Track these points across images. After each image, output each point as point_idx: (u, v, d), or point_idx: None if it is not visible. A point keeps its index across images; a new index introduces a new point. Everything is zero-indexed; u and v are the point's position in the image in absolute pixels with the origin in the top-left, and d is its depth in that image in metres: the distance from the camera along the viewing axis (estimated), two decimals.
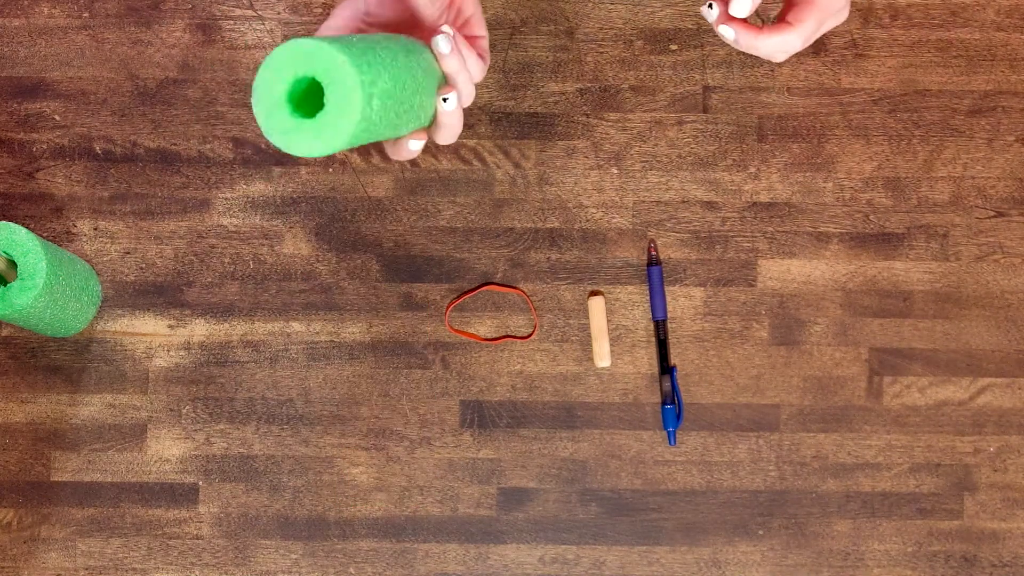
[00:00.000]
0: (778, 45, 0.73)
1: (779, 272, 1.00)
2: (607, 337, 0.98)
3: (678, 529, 0.99)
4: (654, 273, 0.99)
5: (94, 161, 1.01)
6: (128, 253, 1.00)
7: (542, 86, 1.01)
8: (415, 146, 0.71)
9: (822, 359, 1.00)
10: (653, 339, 0.99)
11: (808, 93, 1.01)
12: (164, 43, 1.01)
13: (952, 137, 1.01)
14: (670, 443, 0.98)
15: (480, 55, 0.76)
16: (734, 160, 1.01)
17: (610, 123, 1.01)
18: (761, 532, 0.99)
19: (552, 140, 1.01)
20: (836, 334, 1.00)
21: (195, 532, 0.98)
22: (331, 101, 0.62)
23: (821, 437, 0.99)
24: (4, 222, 0.89)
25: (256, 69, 1.01)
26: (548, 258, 1.00)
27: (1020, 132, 1.01)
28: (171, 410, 0.99)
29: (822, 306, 1.00)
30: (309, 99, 0.65)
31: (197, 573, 0.98)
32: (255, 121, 1.01)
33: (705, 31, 1.01)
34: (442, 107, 0.72)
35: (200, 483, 0.99)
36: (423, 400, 0.99)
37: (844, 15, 0.75)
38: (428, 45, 0.72)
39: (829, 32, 1.01)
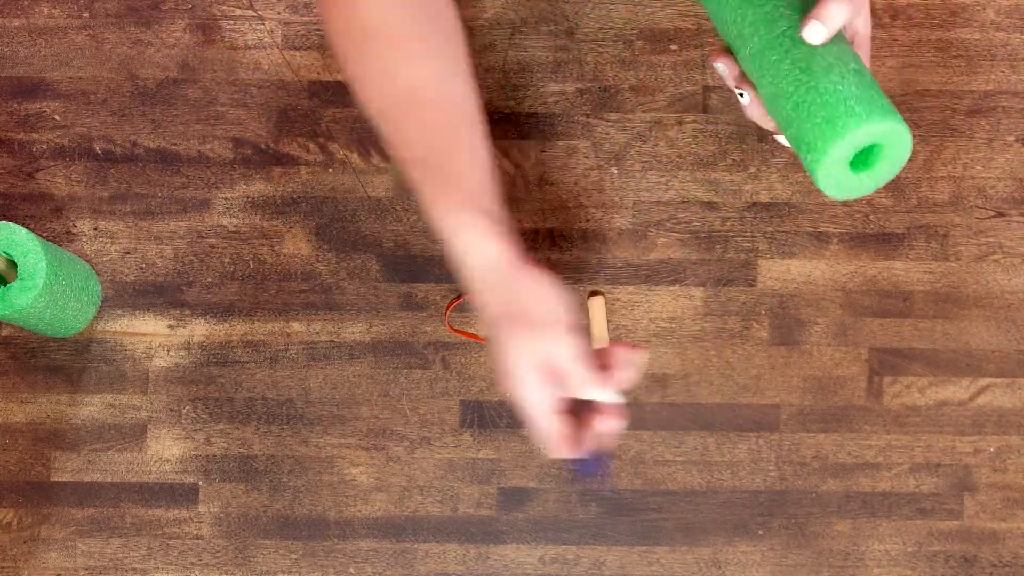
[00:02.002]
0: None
1: (779, 272, 1.00)
2: (607, 337, 0.98)
3: (678, 529, 0.99)
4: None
5: (94, 161, 1.01)
6: (128, 253, 1.00)
7: (542, 86, 1.01)
8: None
9: (822, 359, 1.00)
10: (653, 339, 0.99)
11: None
12: (164, 43, 1.01)
13: (952, 137, 1.01)
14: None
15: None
16: (734, 160, 1.01)
17: (610, 123, 1.01)
18: (761, 532, 0.99)
19: (552, 140, 1.01)
20: (836, 334, 1.00)
21: (195, 532, 0.98)
22: (888, 157, 0.73)
23: (821, 437, 0.99)
24: (4, 222, 0.89)
25: (256, 69, 1.01)
26: (548, 258, 1.00)
27: (1020, 132, 1.01)
28: (171, 410, 0.99)
29: (822, 306, 1.00)
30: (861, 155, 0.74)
31: (197, 573, 0.98)
32: (255, 121, 1.01)
33: (705, 31, 1.01)
34: None
35: (200, 483, 0.99)
36: (423, 400, 0.99)
37: None
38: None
39: None
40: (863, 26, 0.77)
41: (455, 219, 0.74)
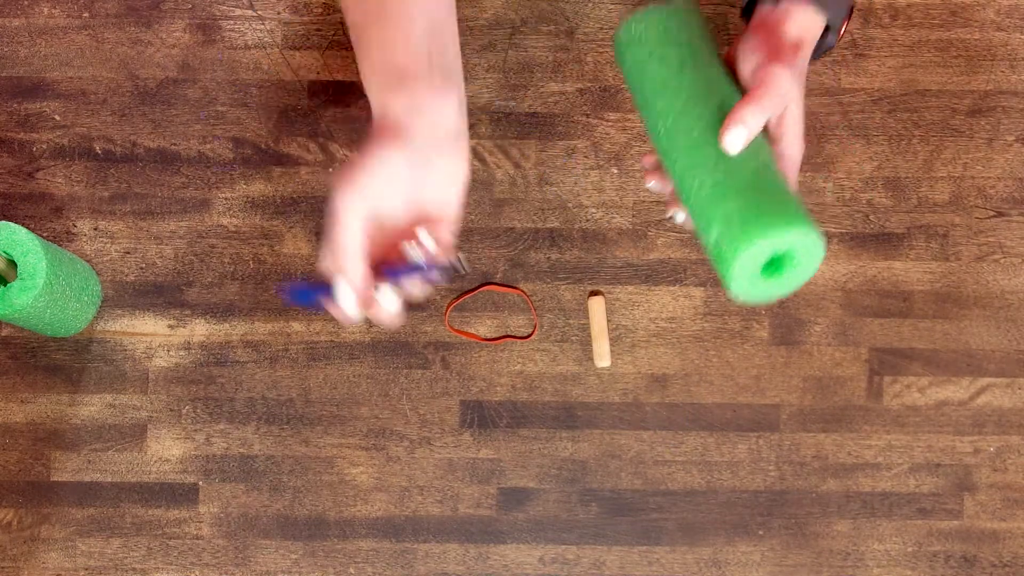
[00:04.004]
0: None
1: None
2: (607, 337, 0.98)
3: (678, 529, 0.99)
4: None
5: (94, 161, 1.01)
6: (128, 253, 1.00)
7: (542, 86, 1.01)
8: None
9: (822, 359, 1.00)
10: (653, 339, 0.99)
11: (808, 93, 1.01)
12: (164, 43, 1.01)
13: (952, 137, 1.01)
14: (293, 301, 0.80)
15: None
16: None
17: (610, 123, 1.01)
18: (761, 532, 0.99)
19: (552, 140, 1.01)
20: (836, 334, 1.00)
21: (195, 532, 0.98)
22: (800, 265, 0.73)
23: (821, 437, 0.99)
24: (4, 222, 0.89)
25: (256, 69, 1.01)
26: (548, 258, 1.00)
27: (1020, 132, 1.01)
28: (171, 410, 0.99)
29: (822, 306, 1.00)
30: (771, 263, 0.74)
31: (197, 573, 0.98)
32: (255, 121, 1.01)
33: None
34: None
35: (200, 483, 0.99)
36: (423, 400, 0.99)
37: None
38: None
39: None
40: (792, 125, 0.75)
41: (386, 80, 0.72)
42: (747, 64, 0.75)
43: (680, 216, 0.78)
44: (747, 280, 0.72)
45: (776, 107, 0.72)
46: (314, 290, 0.73)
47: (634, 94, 0.79)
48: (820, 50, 0.78)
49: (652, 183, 0.79)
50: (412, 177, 0.72)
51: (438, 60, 0.72)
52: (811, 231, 0.71)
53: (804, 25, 0.75)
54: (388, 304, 0.73)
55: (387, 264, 0.73)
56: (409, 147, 0.71)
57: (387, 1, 0.73)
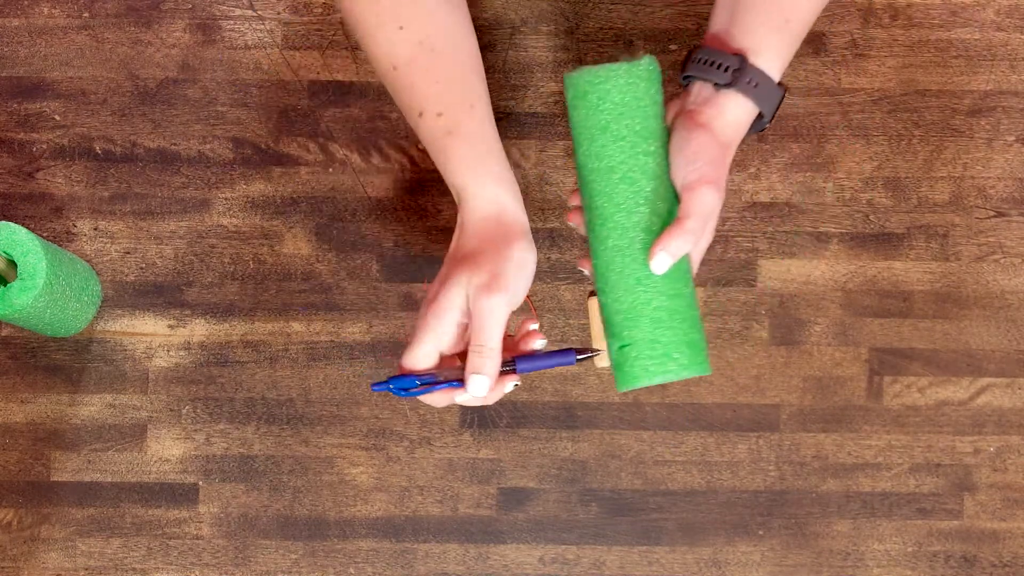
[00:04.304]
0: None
1: (779, 272, 1.00)
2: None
3: (678, 529, 0.99)
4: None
5: (94, 161, 1.01)
6: (128, 253, 1.00)
7: (542, 86, 1.01)
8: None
9: (822, 359, 1.00)
10: None
11: (808, 93, 1.01)
12: (164, 43, 1.01)
13: (952, 137, 1.01)
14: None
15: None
16: (734, 160, 1.00)
17: None
18: (761, 532, 0.99)
19: (552, 140, 1.01)
20: (836, 334, 1.00)
21: (195, 532, 0.98)
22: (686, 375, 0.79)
23: (821, 437, 0.99)
24: (4, 222, 0.89)
25: (256, 69, 1.01)
26: (548, 258, 1.00)
27: (1020, 132, 1.01)
28: (171, 410, 0.99)
29: (822, 306, 1.00)
30: None
31: (197, 573, 0.98)
32: (255, 121, 1.01)
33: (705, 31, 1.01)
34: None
35: (200, 483, 0.99)
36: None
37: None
38: None
39: (830, 32, 1.01)
40: (704, 237, 0.79)
41: (470, 173, 0.76)
42: (680, 156, 0.77)
43: (586, 271, 0.83)
44: (636, 386, 0.78)
45: (701, 230, 0.76)
46: (418, 381, 0.76)
47: (577, 144, 0.81)
48: (753, 130, 0.81)
49: (585, 269, 0.83)
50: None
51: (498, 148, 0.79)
52: (707, 370, 0.78)
53: (736, 116, 0.78)
54: (507, 389, 0.77)
55: (518, 354, 0.78)
56: (530, 241, 0.77)
57: (457, 92, 0.78)
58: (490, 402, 0.77)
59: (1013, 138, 1.01)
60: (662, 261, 0.76)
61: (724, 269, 1.00)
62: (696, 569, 0.99)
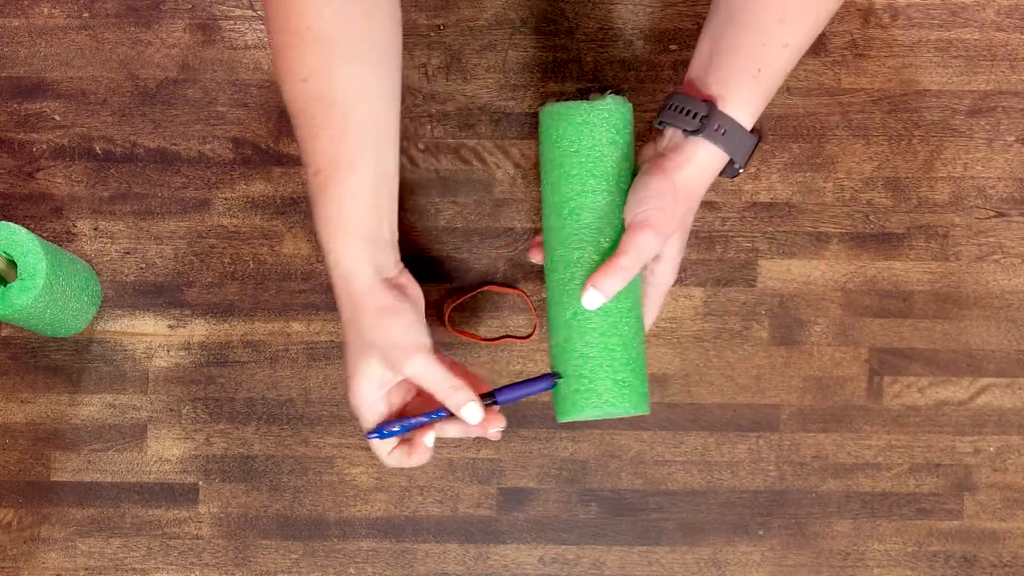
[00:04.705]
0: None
1: (779, 272, 1.00)
2: None
3: (678, 529, 0.99)
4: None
5: (94, 161, 1.01)
6: (128, 253, 1.00)
7: (542, 86, 1.01)
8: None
9: (822, 359, 1.00)
10: (653, 339, 0.99)
11: (808, 93, 1.01)
12: (164, 43, 1.01)
13: (952, 137, 1.01)
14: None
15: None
16: None
17: None
18: (761, 532, 0.99)
19: None
20: (836, 334, 1.00)
21: (195, 532, 0.98)
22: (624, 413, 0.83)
23: (821, 437, 0.99)
24: (4, 222, 0.89)
25: (256, 69, 1.01)
26: None
27: (1020, 132, 1.01)
28: (171, 410, 0.99)
29: (822, 306, 1.00)
30: None
31: (197, 573, 0.98)
32: (255, 121, 1.01)
33: None
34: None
35: (200, 483, 0.99)
36: None
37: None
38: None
39: (830, 32, 1.01)
40: (667, 259, 0.82)
41: (335, 242, 0.77)
42: (633, 197, 0.80)
43: (536, 258, 0.86)
44: (569, 419, 0.81)
45: (635, 269, 0.78)
46: (397, 427, 0.81)
47: (544, 173, 0.84)
48: (726, 175, 0.82)
49: (534, 259, 0.86)
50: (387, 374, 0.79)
51: (389, 220, 0.79)
52: (641, 410, 0.80)
53: (704, 162, 0.79)
54: (492, 431, 0.81)
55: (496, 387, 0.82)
56: (374, 351, 0.78)
57: (344, 150, 0.77)
58: (485, 433, 0.81)
59: (1013, 138, 1.01)
60: (592, 297, 0.78)
61: (724, 269, 1.00)
62: (696, 569, 0.99)
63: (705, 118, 0.78)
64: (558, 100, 0.84)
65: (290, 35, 0.76)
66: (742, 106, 0.78)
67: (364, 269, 0.77)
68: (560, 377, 0.81)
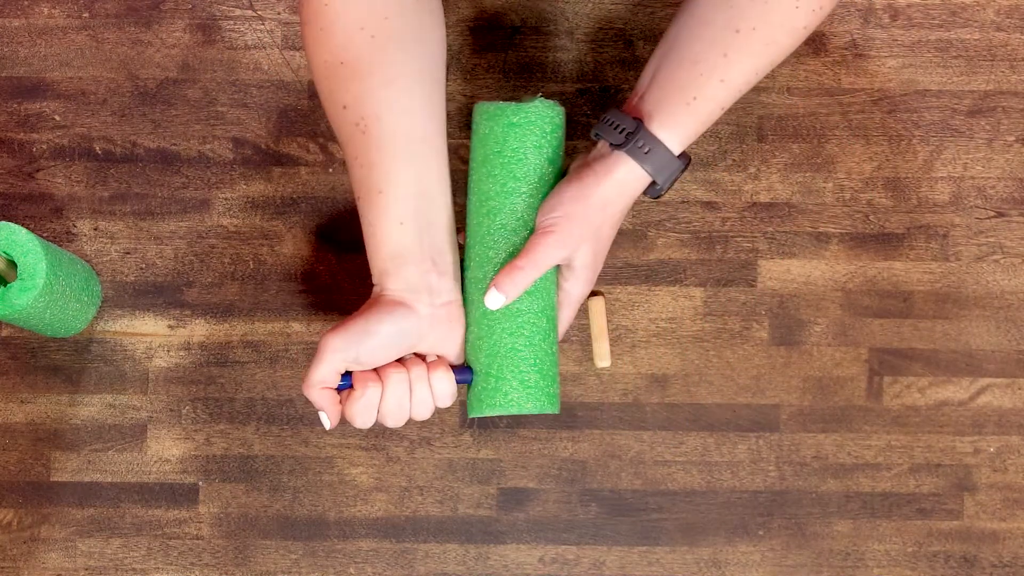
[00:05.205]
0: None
1: (779, 272, 1.00)
2: (607, 337, 0.98)
3: (678, 529, 0.99)
4: None
5: (94, 161, 1.01)
6: (128, 253, 1.00)
7: (542, 86, 1.01)
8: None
9: (822, 359, 1.00)
10: (653, 339, 0.99)
11: (808, 93, 1.01)
12: (164, 43, 1.01)
13: (952, 137, 1.01)
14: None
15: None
16: (734, 160, 1.01)
17: None
18: (761, 532, 0.99)
19: None
20: (836, 334, 1.00)
21: (195, 532, 0.98)
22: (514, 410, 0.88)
23: (821, 437, 0.99)
24: (4, 222, 0.89)
25: (256, 69, 1.01)
26: None
27: (1020, 132, 1.01)
28: (171, 410, 0.99)
29: (822, 306, 1.00)
30: None
31: (197, 573, 0.98)
32: (255, 121, 1.01)
33: None
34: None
35: (200, 483, 0.99)
36: None
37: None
38: None
39: (830, 32, 1.01)
40: (579, 268, 0.82)
41: (375, 262, 0.81)
42: (547, 202, 0.82)
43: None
44: (478, 415, 0.83)
45: (535, 273, 0.80)
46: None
47: (471, 170, 0.85)
48: (648, 195, 0.84)
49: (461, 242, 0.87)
50: (404, 344, 0.81)
51: (428, 242, 0.80)
52: (549, 409, 0.82)
53: (624, 178, 0.81)
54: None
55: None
56: (405, 321, 0.79)
57: (374, 177, 0.79)
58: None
59: (1013, 138, 1.01)
60: (493, 297, 0.80)
61: (724, 269, 1.00)
62: (696, 569, 0.99)
63: (631, 134, 0.80)
64: (543, 97, 0.84)
65: (325, 64, 0.79)
66: (671, 129, 0.80)
67: (391, 281, 0.80)
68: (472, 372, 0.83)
